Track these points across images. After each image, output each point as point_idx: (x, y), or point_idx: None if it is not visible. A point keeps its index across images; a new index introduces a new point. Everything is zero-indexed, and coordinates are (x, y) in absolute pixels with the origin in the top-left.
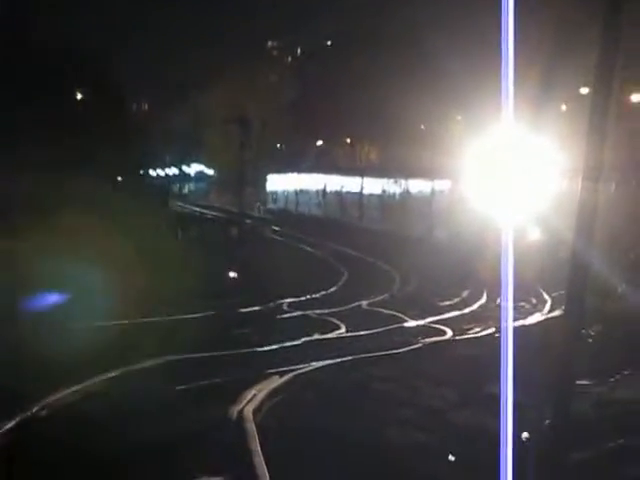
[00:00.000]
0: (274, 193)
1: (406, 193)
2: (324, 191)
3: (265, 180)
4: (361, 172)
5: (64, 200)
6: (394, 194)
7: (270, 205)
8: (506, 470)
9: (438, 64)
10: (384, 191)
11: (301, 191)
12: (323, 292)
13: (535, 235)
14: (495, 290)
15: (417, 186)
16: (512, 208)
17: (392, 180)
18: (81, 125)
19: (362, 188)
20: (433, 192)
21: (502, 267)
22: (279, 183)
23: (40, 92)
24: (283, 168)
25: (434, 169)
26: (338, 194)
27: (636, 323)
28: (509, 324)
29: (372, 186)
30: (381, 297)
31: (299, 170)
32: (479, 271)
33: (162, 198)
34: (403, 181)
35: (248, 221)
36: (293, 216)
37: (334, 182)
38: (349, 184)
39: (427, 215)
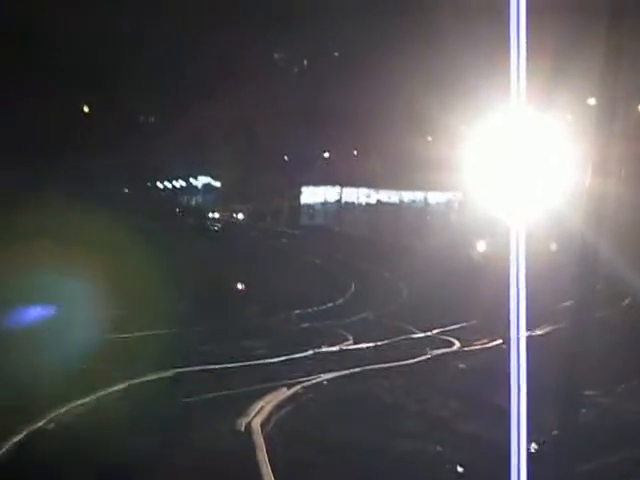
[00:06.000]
0: (310, 207)
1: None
2: (376, 205)
3: (295, 191)
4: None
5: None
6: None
7: (305, 220)
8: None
9: (450, 74)
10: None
11: (345, 205)
12: None
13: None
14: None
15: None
16: (524, 213)
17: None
18: (88, 138)
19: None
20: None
21: (511, 274)
22: (316, 196)
23: (44, 104)
24: (320, 180)
25: (447, 180)
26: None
27: None
28: (521, 334)
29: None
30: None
31: (341, 183)
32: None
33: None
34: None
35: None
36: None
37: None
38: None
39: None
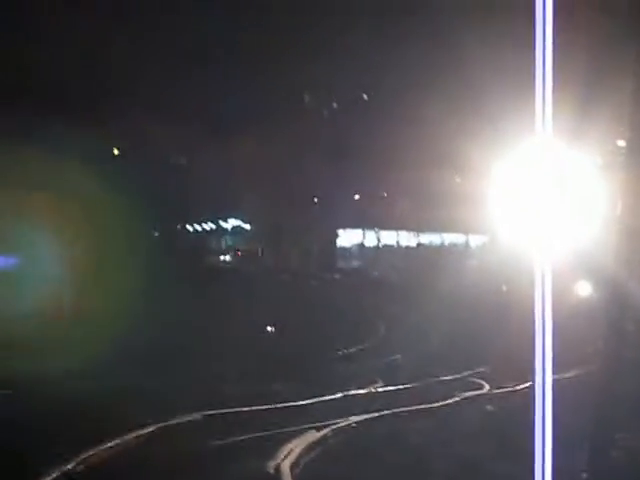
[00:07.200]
0: (344, 249)
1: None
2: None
3: (327, 233)
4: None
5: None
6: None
7: (339, 263)
8: None
9: (481, 116)
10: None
11: (384, 248)
12: None
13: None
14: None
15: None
16: (552, 252)
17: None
18: (118, 179)
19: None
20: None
21: (537, 315)
22: (350, 238)
23: (74, 146)
24: (352, 222)
25: (474, 223)
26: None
27: None
28: (547, 378)
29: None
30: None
31: (378, 226)
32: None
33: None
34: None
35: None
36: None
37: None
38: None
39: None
